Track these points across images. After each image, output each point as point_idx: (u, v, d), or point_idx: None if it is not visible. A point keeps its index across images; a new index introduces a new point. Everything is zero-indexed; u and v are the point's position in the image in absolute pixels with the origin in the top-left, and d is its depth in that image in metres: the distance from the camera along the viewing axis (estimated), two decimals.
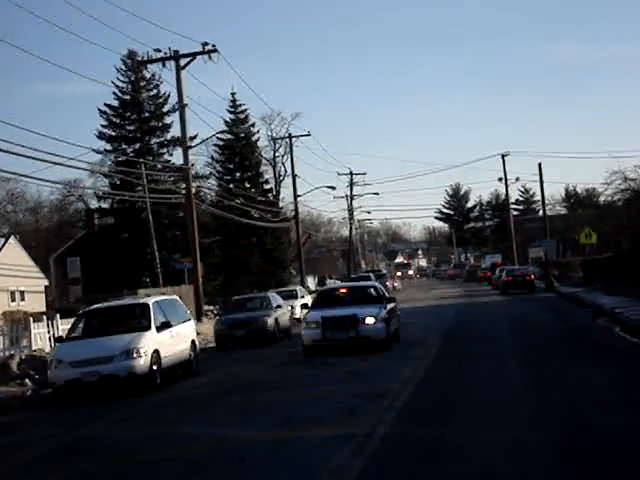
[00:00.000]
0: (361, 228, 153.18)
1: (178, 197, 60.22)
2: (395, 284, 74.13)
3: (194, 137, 61.45)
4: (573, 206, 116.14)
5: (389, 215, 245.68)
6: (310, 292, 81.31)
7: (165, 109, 61.64)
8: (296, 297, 43.26)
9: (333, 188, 65.78)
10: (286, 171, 77.39)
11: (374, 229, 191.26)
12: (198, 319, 39.35)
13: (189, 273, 53.13)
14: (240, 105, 69.77)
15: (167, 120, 61.71)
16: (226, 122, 69.59)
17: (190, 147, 40.92)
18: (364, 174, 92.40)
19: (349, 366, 20.25)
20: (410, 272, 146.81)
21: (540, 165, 63.59)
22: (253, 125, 71.13)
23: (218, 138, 69.72)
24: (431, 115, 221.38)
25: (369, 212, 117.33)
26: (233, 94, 69.39)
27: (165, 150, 61.94)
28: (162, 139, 61.92)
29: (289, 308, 37.46)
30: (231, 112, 69.94)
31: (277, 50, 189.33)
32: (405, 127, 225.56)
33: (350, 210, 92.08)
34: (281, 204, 76.13)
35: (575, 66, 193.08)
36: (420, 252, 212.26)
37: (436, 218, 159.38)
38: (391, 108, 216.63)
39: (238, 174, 70.79)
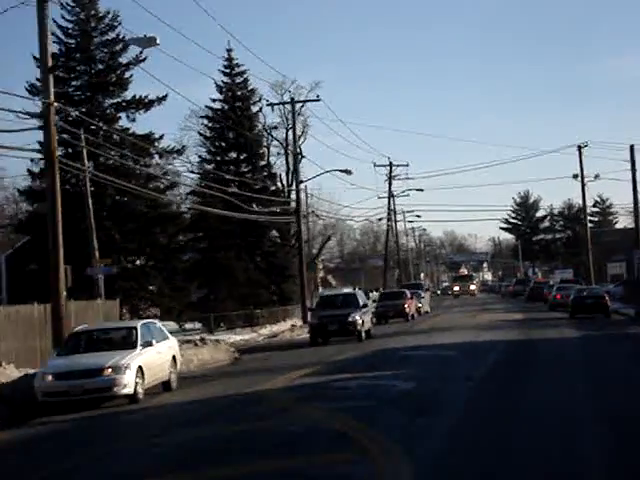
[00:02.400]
0: (415, 236, 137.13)
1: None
2: (419, 305, 56.18)
3: (163, 98, 46.60)
4: None
5: (442, 217, 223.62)
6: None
7: (124, 60, 46.11)
8: (131, 346, 19.53)
9: (349, 172, 49.66)
10: (302, 156, 61.24)
11: (436, 239, 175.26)
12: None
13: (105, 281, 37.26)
14: (237, 65, 53.90)
15: (127, 74, 46.21)
16: (218, 87, 53.95)
17: (53, 69, 25.16)
18: (406, 165, 75.62)
19: None
20: (472, 287, 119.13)
21: (632, 148, 46.57)
22: (253, 91, 55.05)
23: (208, 107, 54.09)
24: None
25: (419, 216, 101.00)
26: (229, 50, 53.60)
27: (123, 114, 46.40)
28: (119, 99, 46.39)
29: None
30: (225, 74, 54.14)
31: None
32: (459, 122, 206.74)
33: (389, 208, 75.41)
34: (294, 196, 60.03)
35: None
36: (485, 265, 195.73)
37: (501, 228, 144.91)
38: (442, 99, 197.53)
39: (234, 154, 55.01)
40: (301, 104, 60.36)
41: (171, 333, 45.75)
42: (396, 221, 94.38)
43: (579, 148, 65.19)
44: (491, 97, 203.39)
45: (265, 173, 55.91)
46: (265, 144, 61.68)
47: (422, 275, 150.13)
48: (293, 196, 55.51)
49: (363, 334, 33.65)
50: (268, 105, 51.73)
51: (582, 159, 64.16)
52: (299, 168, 46.92)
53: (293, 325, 45.67)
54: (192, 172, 54.52)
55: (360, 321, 33.60)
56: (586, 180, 64.98)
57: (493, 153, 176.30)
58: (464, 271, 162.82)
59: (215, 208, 46.20)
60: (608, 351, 25.49)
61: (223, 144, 54.16)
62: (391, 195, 75.08)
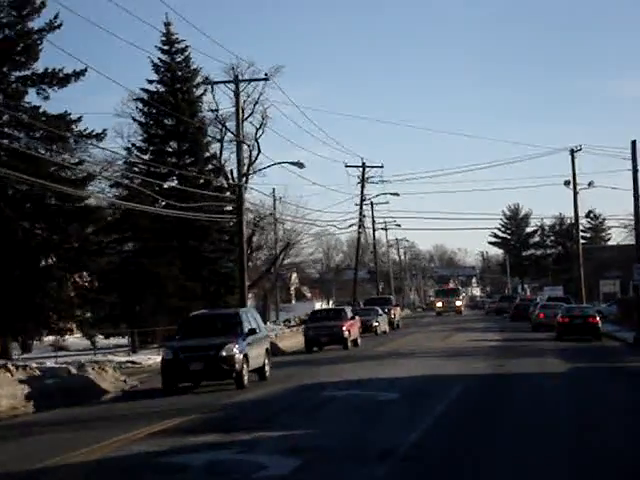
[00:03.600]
0: (399, 248, 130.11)
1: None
2: (375, 323, 48.01)
3: (81, 72, 39.37)
4: None
5: (427, 225, 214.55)
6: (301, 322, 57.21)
7: (35, 25, 38.85)
8: None
9: (301, 165, 42.24)
10: (259, 151, 54.03)
11: (425, 253, 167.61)
12: None
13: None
14: (177, 41, 46.66)
15: (39, 43, 38.89)
16: (155, 66, 46.75)
17: None
18: (381, 167, 68.07)
19: None
20: (458, 303, 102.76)
21: (634, 143, 39.54)
22: (196, 72, 47.69)
23: (143, 89, 46.82)
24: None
25: (399, 225, 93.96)
26: (167, 24, 46.30)
27: (32, 89, 39.13)
28: (28, 72, 39.11)
29: None
30: (164, 51, 46.92)
31: None
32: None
33: (360, 214, 68.17)
34: (251, 198, 52.77)
35: None
36: (474, 280, 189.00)
37: (490, 243, 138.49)
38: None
39: (175, 144, 47.77)
40: (258, 92, 52.93)
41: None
42: (374, 229, 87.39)
43: (572, 152, 58.77)
44: (481, 99, 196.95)
45: (211, 166, 48.66)
46: (218, 137, 54.39)
47: (408, 289, 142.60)
48: (247, 194, 48.01)
49: (245, 376, 22.30)
50: (208, 84, 44.45)
51: (575, 164, 57.82)
52: (242, 158, 39.28)
53: None
54: (126, 163, 47.11)
55: (240, 357, 22.09)
56: (579, 188, 58.49)
57: (482, 156, 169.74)
58: (450, 284, 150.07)
59: (147, 204, 39.13)
60: (605, 398, 18.28)
61: (160, 132, 46.92)
62: (363, 199, 67.73)
